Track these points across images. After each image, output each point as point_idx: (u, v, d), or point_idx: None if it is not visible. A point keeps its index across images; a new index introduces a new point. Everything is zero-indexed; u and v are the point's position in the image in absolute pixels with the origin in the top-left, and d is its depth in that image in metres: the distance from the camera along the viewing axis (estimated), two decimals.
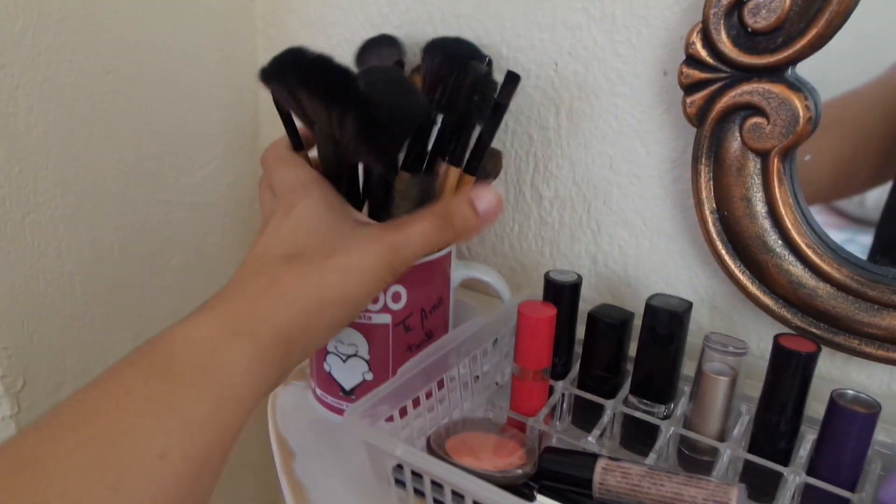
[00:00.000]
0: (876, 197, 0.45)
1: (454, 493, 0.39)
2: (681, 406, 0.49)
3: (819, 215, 0.47)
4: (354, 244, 0.41)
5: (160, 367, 0.35)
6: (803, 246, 0.45)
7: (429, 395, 0.48)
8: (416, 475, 0.41)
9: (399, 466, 0.42)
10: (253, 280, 0.40)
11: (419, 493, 0.41)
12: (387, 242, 0.41)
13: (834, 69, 0.44)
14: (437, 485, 0.39)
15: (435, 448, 0.44)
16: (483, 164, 0.49)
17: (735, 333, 0.52)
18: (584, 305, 0.51)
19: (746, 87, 0.44)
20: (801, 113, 0.43)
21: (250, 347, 0.36)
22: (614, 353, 0.50)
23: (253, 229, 0.81)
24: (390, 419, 0.46)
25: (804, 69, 0.44)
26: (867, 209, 0.46)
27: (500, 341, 0.55)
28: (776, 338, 0.43)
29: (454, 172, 0.49)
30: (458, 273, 0.56)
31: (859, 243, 0.46)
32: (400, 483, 0.42)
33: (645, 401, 0.49)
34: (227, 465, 0.36)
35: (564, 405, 0.52)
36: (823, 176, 0.47)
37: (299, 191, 0.43)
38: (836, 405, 0.42)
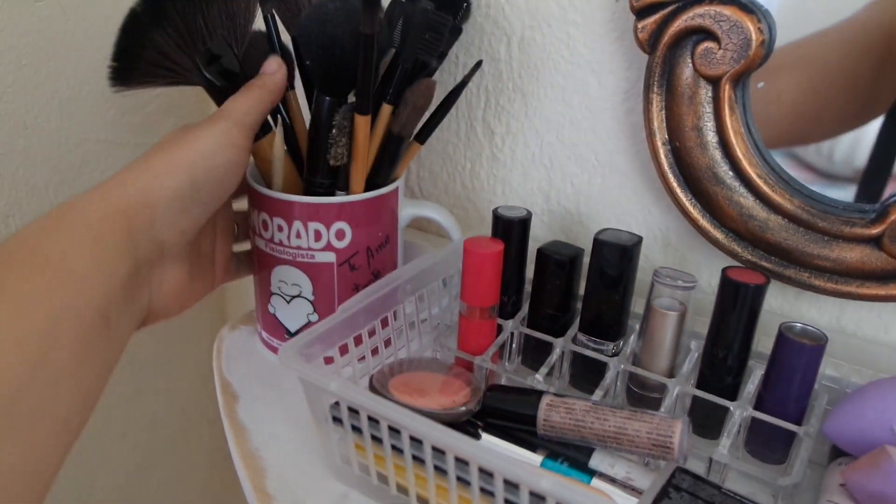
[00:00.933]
0: (845, 151, 0.44)
1: (392, 429, 0.38)
2: (631, 343, 0.48)
3: (788, 169, 0.45)
4: (195, 124, 0.43)
5: None
6: (754, 176, 0.44)
7: (372, 334, 0.47)
8: (355, 413, 0.39)
9: (337, 405, 0.40)
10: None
11: (357, 430, 0.40)
12: (218, 115, 0.44)
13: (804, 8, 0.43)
14: (375, 422, 0.38)
15: (377, 387, 0.43)
16: (406, 97, 0.49)
17: (688, 270, 0.51)
18: (537, 245, 0.49)
19: (698, 10, 0.42)
20: (753, 36, 0.41)
21: (79, 227, 0.37)
22: (564, 291, 0.49)
23: None
24: (330, 360, 0.44)
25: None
26: (836, 164, 0.45)
27: (450, 282, 0.54)
28: (724, 271, 0.42)
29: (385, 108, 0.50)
30: (406, 211, 0.55)
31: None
32: (338, 421, 0.40)
33: (594, 338, 0.48)
34: (96, 344, 0.35)
35: (514, 345, 0.51)
36: (783, 115, 0.46)
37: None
38: (783, 338, 0.41)
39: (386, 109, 0.50)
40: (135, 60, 0.46)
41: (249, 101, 0.45)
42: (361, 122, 0.48)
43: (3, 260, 0.35)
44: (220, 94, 0.47)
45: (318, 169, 0.50)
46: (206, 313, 0.84)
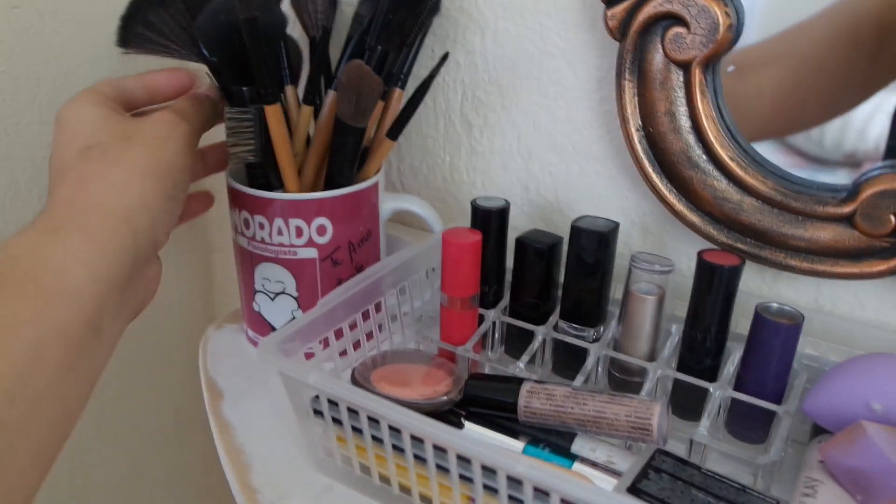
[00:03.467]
0: (835, 136, 0.44)
1: (372, 420, 0.38)
2: (612, 329, 0.48)
3: (777, 155, 0.46)
4: (142, 124, 0.43)
5: None
6: (727, 159, 0.44)
7: (353, 328, 0.47)
8: (335, 405, 0.39)
9: (318, 398, 0.41)
10: (60, 185, 0.39)
11: (338, 422, 0.40)
12: (169, 113, 0.44)
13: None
14: (355, 413, 0.38)
15: (359, 379, 0.43)
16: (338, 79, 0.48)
17: (666, 254, 0.51)
18: (518, 235, 0.49)
19: None
20: (720, 20, 0.41)
21: (78, 239, 0.36)
22: (544, 279, 0.49)
23: None
24: (312, 356, 0.44)
25: None
26: (826, 149, 0.45)
27: (432, 274, 0.54)
28: (700, 253, 0.42)
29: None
30: (386, 205, 0.55)
31: None
32: (319, 414, 0.41)
33: (574, 325, 0.48)
34: (84, 358, 0.35)
35: (497, 334, 0.51)
36: (766, 108, 0.47)
37: (63, 106, 0.43)
38: (760, 318, 0.42)
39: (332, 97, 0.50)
40: (136, 32, 0.47)
41: (203, 108, 0.47)
42: (270, 113, 0.47)
43: None
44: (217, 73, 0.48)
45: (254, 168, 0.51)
46: (195, 313, 0.85)
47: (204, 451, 0.91)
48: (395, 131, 0.51)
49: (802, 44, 0.45)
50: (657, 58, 0.44)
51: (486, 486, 0.35)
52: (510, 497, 0.34)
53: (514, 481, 0.34)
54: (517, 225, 0.58)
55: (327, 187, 0.51)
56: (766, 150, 0.46)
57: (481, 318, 0.50)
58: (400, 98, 0.52)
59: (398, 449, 0.38)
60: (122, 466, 0.81)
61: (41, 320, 0.33)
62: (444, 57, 0.51)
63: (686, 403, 0.45)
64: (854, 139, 0.44)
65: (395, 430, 0.37)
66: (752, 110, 0.46)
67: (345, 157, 0.50)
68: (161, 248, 0.43)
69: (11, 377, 0.32)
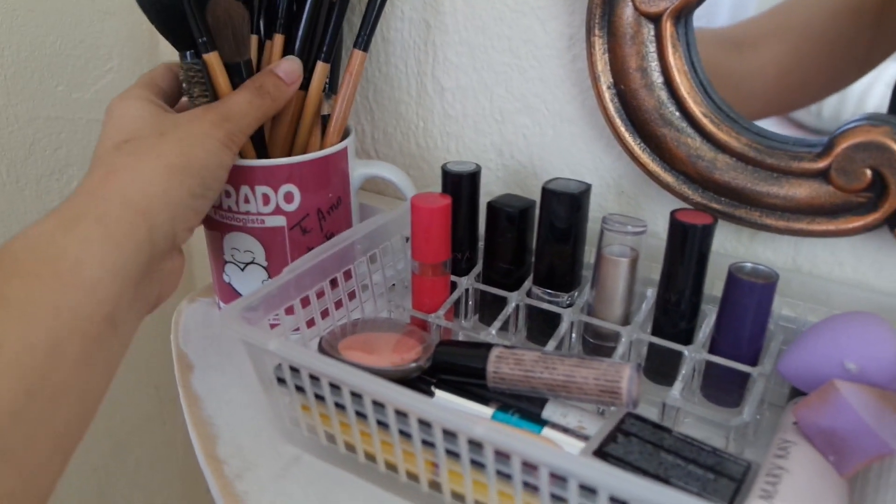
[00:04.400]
0: (833, 107, 0.43)
1: (334, 387, 0.37)
2: (586, 294, 0.47)
3: (774, 127, 0.44)
4: (183, 121, 0.42)
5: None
6: (700, 115, 0.43)
7: (321, 296, 0.46)
8: (298, 373, 0.39)
9: (281, 366, 0.40)
10: (90, 176, 0.39)
11: (302, 390, 0.39)
12: (213, 112, 0.43)
13: None
14: (318, 381, 0.37)
15: (326, 348, 0.42)
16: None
17: (642, 216, 0.50)
18: (489, 200, 0.48)
19: None
20: None
21: (96, 230, 0.36)
22: (516, 244, 0.48)
23: None
24: (277, 325, 0.43)
25: None
26: (824, 120, 0.44)
27: (406, 244, 0.53)
28: (673, 213, 0.41)
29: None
30: (357, 172, 0.54)
31: None
32: (283, 382, 0.40)
33: (548, 290, 0.47)
34: (102, 351, 0.35)
35: (470, 302, 0.50)
36: (769, 86, 0.46)
37: (115, 99, 0.44)
38: (733, 278, 0.41)
39: (278, 39, 0.49)
40: None
41: (252, 111, 0.45)
42: (210, 60, 0.46)
43: (9, 268, 0.34)
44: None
45: None
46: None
47: (186, 428, 0.90)
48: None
49: (803, 15, 0.43)
50: (627, 11, 0.43)
51: (449, 452, 0.34)
52: (473, 462, 0.34)
53: (478, 445, 0.33)
54: (492, 191, 0.57)
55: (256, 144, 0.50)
56: (764, 122, 0.45)
57: (454, 286, 0.49)
58: (363, 61, 0.51)
59: (361, 416, 0.37)
60: (104, 446, 0.80)
61: (60, 311, 0.33)
62: None
63: (661, 368, 0.44)
64: (852, 110, 0.42)
65: (357, 397, 0.36)
66: (753, 90, 0.45)
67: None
68: (183, 243, 0.43)
69: (31, 371, 0.31)
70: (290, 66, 0.47)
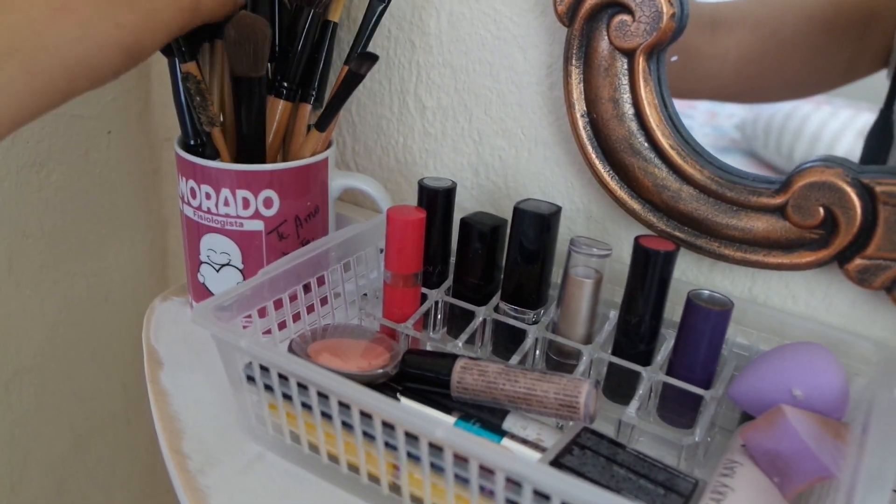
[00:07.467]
0: (803, 151, 0.45)
1: (302, 387, 0.38)
2: (552, 312, 0.49)
3: (748, 168, 0.46)
4: None
5: None
6: (667, 147, 0.45)
7: (294, 299, 0.47)
8: (268, 372, 0.40)
9: (251, 365, 0.41)
10: None
11: (270, 389, 0.40)
12: None
13: None
14: (287, 381, 0.38)
15: (296, 349, 0.43)
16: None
17: (608, 241, 0.52)
18: (463, 216, 0.50)
19: None
20: (664, 9, 0.42)
21: None
22: (486, 261, 0.49)
23: (142, 148, 0.78)
24: (248, 326, 0.44)
25: None
26: (795, 162, 0.45)
27: (380, 255, 0.54)
28: (636, 239, 0.43)
29: None
30: (336, 182, 0.55)
31: None
32: (252, 380, 0.41)
33: (515, 307, 0.48)
34: None
35: (440, 315, 0.52)
36: (728, 71, 0.47)
37: None
38: (691, 304, 0.42)
39: None
40: None
41: None
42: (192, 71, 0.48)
43: None
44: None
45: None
46: (147, 289, 0.84)
47: (151, 427, 0.90)
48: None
49: (779, 14, 0.45)
50: (603, 44, 0.45)
51: (410, 455, 0.35)
52: (433, 465, 0.35)
53: (438, 449, 0.34)
54: (467, 208, 0.58)
55: (240, 151, 0.51)
56: (738, 161, 0.46)
57: (425, 298, 0.50)
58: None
59: (327, 416, 0.38)
60: (65, 443, 0.80)
61: None
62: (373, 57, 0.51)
63: (619, 387, 0.46)
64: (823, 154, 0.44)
65: (324, 398, 0.37)
66: (712, 69, 0.46)
67: (251, 112, 0.49)
68: None
69: None
70: None
